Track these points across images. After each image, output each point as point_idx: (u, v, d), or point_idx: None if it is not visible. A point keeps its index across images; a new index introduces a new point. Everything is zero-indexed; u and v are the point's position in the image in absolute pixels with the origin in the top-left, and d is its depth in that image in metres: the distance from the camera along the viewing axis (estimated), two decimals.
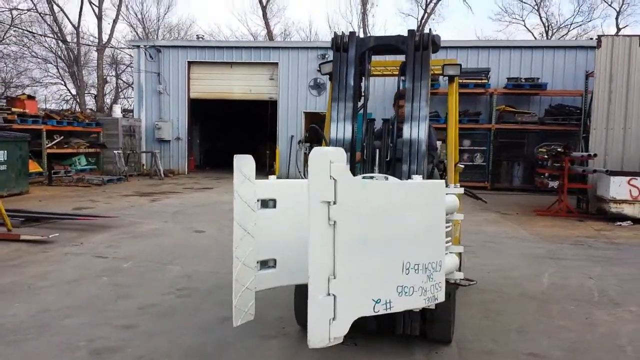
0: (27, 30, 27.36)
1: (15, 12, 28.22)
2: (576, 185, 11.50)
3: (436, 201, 3.11)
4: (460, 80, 17.11)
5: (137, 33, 35.78)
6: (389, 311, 2.77)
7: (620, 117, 11.06)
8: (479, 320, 4.66)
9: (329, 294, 2.52)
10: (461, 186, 3.88)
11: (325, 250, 2.51)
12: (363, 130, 4.25)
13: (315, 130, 4.06)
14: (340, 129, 4.13)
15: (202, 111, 21.92)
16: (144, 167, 19.71)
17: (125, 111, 25.85)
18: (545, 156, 12.08)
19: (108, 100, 35.68)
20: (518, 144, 17.02)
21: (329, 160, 2.45)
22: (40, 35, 29.18)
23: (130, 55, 25.99)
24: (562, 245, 8.04)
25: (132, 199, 12.72)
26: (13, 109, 14.99)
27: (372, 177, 3.82)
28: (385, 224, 2.75)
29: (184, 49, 20.14)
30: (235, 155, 3.19)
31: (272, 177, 3.66)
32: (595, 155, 10.90)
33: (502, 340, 4.20)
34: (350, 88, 4.15)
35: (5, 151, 12.10)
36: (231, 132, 25.83)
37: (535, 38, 35.20)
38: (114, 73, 36.56)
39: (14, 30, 26.76)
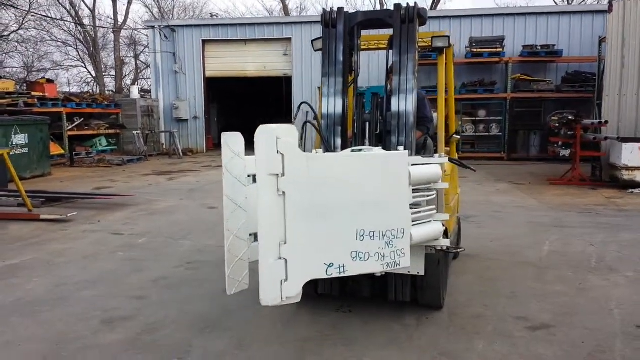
0: (43, 15, 27.69)
1: None
2: (589, 153, 11.45)
3: (394, 172, 3.25)
4: (475, 50, 16.94)
5: (152, 13, 35.96)
6: (343, 274, 2.97)
7: (634, 83, 10.93)
8: (473, 287, 4.82)
9: (280, 258, 2.75)
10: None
11: (276, 218, 2.74)
12: (353, 104, 4.38)
13: (306, 106, 4.20)
14: (332, 103, 4.27)
15: (219, 89, 22.10)
16: (163, 146, 20.06)
17: (145, 92, 26.20)
18: (557, 125, 12.01)
19: (128, 81, 36.15)
20: (534, 113, 16.89)
21: (275, 136, 2.69)
22: (57, 19, 29.53)
23: (147, 35, 26.17)
24: (570, 213, 8.10)
25: (150, 177, 13.04)
26: (33, 93, 15.38)
27: (360, 150, 3.96)
28: (334, 193, 2.93)
29: (198, 28, 20.28)
30: (223, 133, 3.35)
31: None
32: (606, 122, 10.83)
33: (493, 304, 4.36)
34: (339, 63, 4.26)
35: (26, 134, 12.47)
36: (247, 109, 26.01)
37: (556, 4, 34.40)
38: (132, 54, 36.96)
39: (32, 15, 27.13)
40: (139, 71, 38.44)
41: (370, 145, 4.23)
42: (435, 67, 4.68)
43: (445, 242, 3.92)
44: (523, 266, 5.42)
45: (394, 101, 4.12)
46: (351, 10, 4.44)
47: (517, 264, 5.51)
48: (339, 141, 4.24)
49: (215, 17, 23.61)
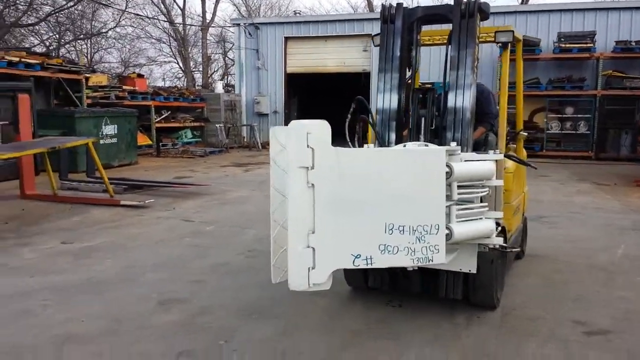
0: (135, 14, 29.20)
1: None
2: None
3: (428, 168, 3.20)
4: (563, 45, 16.17)
5: (239, 11, 36.97)
6: (370, 266, 3.02)
7: None
8: (537, 289, 4.65)
9: (308, 246, 2.86)
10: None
11: (305, 208, 2.85)
12: (410, 100, 4.33)
13: (360, 102, 4.21)
14: (387, 98, 4.25)
15: (299, 85, 22.39)
16: (244, 139, 20.62)
17: (230, 87, 27.03)
18: None
19: (216, 76, 37.40)
20: (627, 111, 15.87)
21: (306, 131, 2.81)
22: (148, 17, 31.04)
23: (233, 33, 26.98)
24: None
25: (228, 169, 13.48)
26: (124, 87, 16.29)
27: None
28: (363, 187, 2.97)
29: (280, 25, 20.67)
30: (271, 127, 3.45)
31: None
32: None
33: (553, 308, 4.19)
34: (396, 59, 4.23)
35: (116, 125, 13.24)
36: (326, 104, 26.18)
37: None
38: (221, 51, 38.21)
39: (128, 13, 28.72)
40: (227, 67, 39.70)
41: (425, 141, 4.18)
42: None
43: (498, 241, 3.81)
44: (593, 270, 5.16)
45: (450, 97, 4.05)
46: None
47: (587, 267, 5.25)
48: (393, 136, 4.22)
49: (298, 14, 23.95)
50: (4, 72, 11.59)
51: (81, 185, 9.54)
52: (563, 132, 16.51)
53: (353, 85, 22.10)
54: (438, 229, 3.06)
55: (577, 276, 4.96)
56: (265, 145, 19.81)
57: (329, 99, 26.15)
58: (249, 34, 20.63)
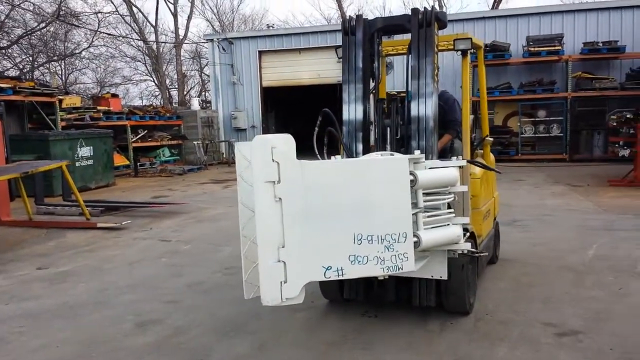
0: (107, 34, 29.10)
1: (100, 16, 30.04)
2: None
3: (392, 176, 3.24)
4: (532, 49, 16.46)
5: (213, 27, 37.04)
6: (341, 277, 3.03)
7: None
8: (506, 292, 4.71)
9: (279, 261, 2.87)
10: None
11: (273, 223, 2.87)
12: (373, 110, 4.39)
13: (326, 114, 4.26)
14: (352, 110, 4.31)
15: (275, 98, 22.46)
16: (223, 155, 20.59)
17: (208, 102, 27.01)
18: (615, 124, 11.49)
19: (193, 93, 37.33)
20: (598, 112, 16.17)
21: (270, 146, 2.83)
22: (121, 36, 30.95)
23: (207, 48, 27.01)
24: (624, 216, 7.74)
25: (206, 186, 13.45)
26: (99, 108, 16.19)
27: (380, 155, 3.98)
28: (329, 199, 3.00)
29: (254, 39, 20.74)
30: (236, 143, 3.48)
31: None
32: None
33: (523, 310, 4.25)
34: (359, 70, 4.30)
35: (91, 147, 13.14)
36: (303, 116, 26.30)
37: None
38: (197, 67, 38.17)
39: (99, 32, 28.59)
40: (204, 83, 39.67)
41: (391, 151, 4.24)
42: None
43: (466, 246, 3.86)
44: (564, 271, 5.24)
45: (413, 105, 4.11)
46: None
47: (557, 268, 5.34)
48: (360, 147, 4.27)
49: (271, 27, 24.08)
50: None
51: (57, 209, 9.46)
52: (537, 135, 16.77)
53: (329, 97, 22.22)
54: (406, 237, 3.09)
55: (547, 278, 5.04)
56: None
57: (306, 111, 26.36)
58: (223, 49, 20.69)
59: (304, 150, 4.41)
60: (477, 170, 4.68)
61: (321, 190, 2.99)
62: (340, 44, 4.55)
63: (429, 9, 4.14)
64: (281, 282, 2.88)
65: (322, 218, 2.98)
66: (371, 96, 4.49)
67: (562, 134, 16.47)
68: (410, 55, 4.23)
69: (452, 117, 4.97)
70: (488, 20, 17.91)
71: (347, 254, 3.01)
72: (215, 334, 4.03)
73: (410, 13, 4.18)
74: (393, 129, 4.29)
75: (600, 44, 15.96)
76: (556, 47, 16.16)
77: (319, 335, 3.96)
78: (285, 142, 2.89)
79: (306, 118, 26.24)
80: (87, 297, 4.99)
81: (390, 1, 69.36)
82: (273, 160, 2.83)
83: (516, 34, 17.18)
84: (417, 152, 3.75)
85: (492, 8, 29.61)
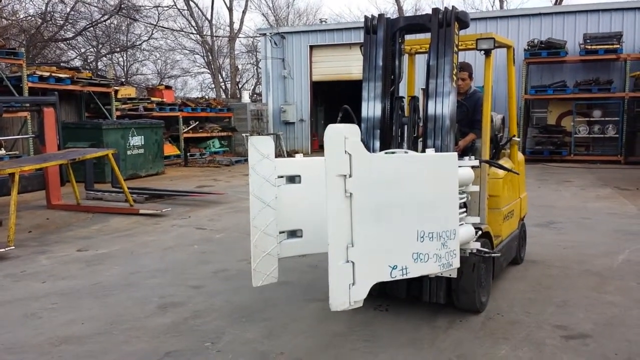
0: (163, 27, 29.94)
1: (159, 9, 30.99)
2: None
3: (446, 172, 3.24)
4: (589, 47, 15.93)
5: (268, 21, 37.50)
6: (405, 276, 2.94)
7: None
8: (524, 294, 4.68)
9: (347, 261, 2.73)
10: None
11: (344, 221, 2.72)
12: (388, 108, 4.43)
13: (346, 111, 4.35)
14: (371, 107, 4.38)
15: (324, 92, 22.63)
16: None
17: (259, 95, 27.46)
18: None
19: (248, 86, 38.02)
20: None
21: (343, 136, 2.65)
22: (176, 30, 31.84)
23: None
24: None
25: None
26: (152, 99, 16.78)
27: (393, 152, 4.04)
28: (395, 194, 2.89)
29: (305, 34, 20.95)
30: (250, 137, 3.63)
31: (298, 155, 4.08)
32: None
33: (536, 312, 4.23)
34: (379, 68, 4.36)
35: (143, 136, 13.66)
36: (353, 111, 26.35)
37: None
38: (253, 61, 38.79)
39: (157, 26, 29.51)
40: (258, 76, 40.29)
41: (407, 149, 4.29)
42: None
43: (475, 245, 3.89)
44: (587, 275, 5.16)
45: (430, 104, 4.15)
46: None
47: (581, 272, 5.25)
48: (377, 144, 4.34)
49: (323, 22, 24.21)
50: (36, 87, 12.16)
51: (105, 195, 9.91)
52: (591, 135, 16.27)
53: None
54: (455, 233, 3.09)
55: (569, 282, 4.97)
56: (292, 154, 20.07)
57: (356, 106, 26.42)
58: (275, 43, 20.98)
59: None
60: (500, 170, 4.67)
61: (387, 185, 2.88)
62: None
63: (450, 8, 4.16)
64: (349, 285, 2.74)
65: (389, 214, 2.87)
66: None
67: (617, 135, 15.90)
68: (430, 55, 4.27)
69: (478, 116, 4.96)
70: (544, 17, 17.43)
71: (411, 252, 2.94)
72: (229, 318, 4.21)
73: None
74: (410, 127, 4.34)
75: None
76: (614, 46, 15.58)
77: (328, 326, 4.07)
78: (354, 132, 2.72)
79: (356, 113, 26.44)
80: (118, 279, 5.28)
81: None
82: (346, 151, 2.65)
83: (573, 32, 16.67)
84: (430, 151, 3.80)
85: (556, 4, 28.76)
